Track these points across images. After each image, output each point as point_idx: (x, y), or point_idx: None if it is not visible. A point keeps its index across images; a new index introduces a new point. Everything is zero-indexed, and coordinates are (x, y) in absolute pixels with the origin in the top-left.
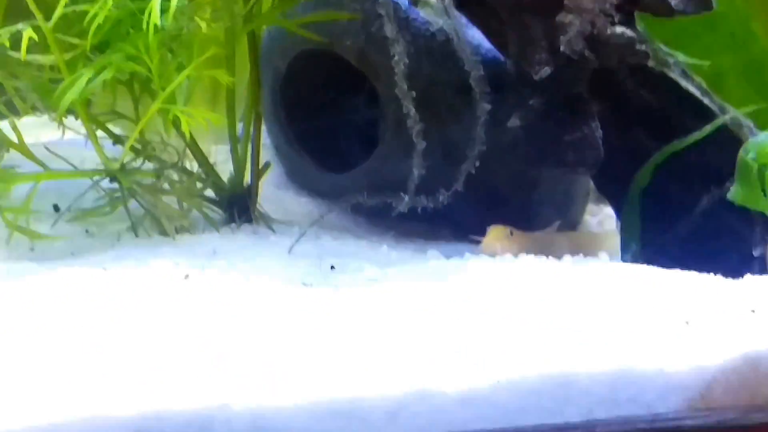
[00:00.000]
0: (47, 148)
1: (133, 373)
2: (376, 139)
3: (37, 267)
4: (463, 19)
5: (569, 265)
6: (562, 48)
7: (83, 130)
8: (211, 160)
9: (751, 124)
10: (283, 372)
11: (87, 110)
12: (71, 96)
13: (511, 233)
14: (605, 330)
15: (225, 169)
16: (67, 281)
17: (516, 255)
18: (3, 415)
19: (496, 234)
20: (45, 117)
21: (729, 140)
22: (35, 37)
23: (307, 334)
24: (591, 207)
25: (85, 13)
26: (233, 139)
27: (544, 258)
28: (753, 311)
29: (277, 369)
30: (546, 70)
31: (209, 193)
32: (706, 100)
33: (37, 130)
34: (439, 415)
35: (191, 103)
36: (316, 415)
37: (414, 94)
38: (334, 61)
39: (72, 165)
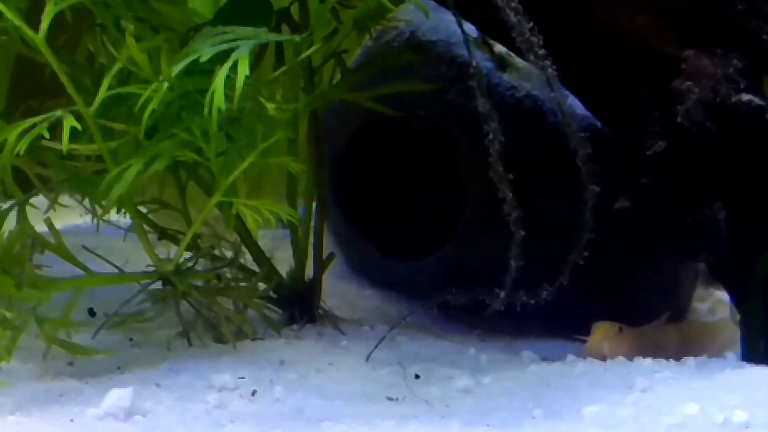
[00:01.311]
0: (85, 248)
1: None
2: (452, 222)
3: (80, 385)
4: (565, 91)
5: (695, 371)
6: (679, 119)
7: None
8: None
9: None
10: None
11: (134, 204)
12: (119, 190)
13: (620, 330)
14: None
15: (279, 260)
16: (123, 403)
17: (628, 357)
18: None
19: (603, 332)
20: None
21: None
22: (78, 125)
23: None
24: (699, 291)
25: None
26: (294, 229)
27: (663, 361)
28: None
29: None
30: (660, 145)
31: (269, 290)
32: None
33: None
34: None
35: (242, 191)
36: None
37: (511, 176)
38: (402, 135)
39: (115, 266)
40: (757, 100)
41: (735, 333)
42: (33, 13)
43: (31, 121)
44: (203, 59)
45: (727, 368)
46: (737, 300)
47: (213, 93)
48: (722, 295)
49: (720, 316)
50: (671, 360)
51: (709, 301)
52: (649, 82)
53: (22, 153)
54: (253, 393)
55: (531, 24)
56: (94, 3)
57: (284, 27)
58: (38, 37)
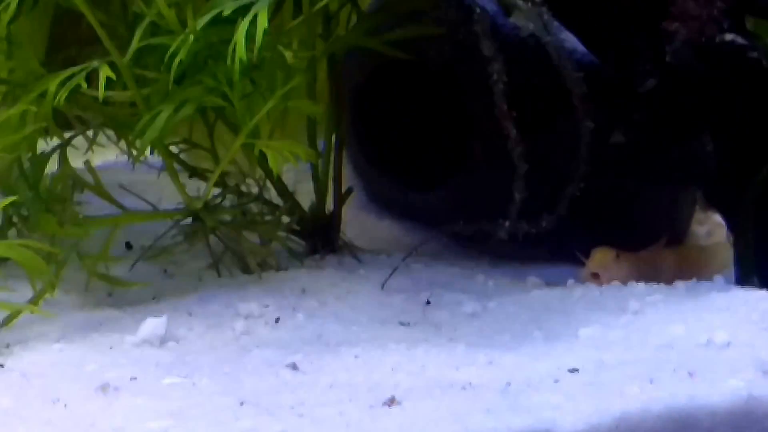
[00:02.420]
0: (122, 186)
1: None
2: (464, 155)
3: (119, 314)
4: (560, 29)
5: (684, 294)
6: (667, 58)
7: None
8: (288, 184)
9: None
10: (385, 407)
11: (165, 145)
12: (152, 134)
13: (617, 255)
14: (728, 360)
15: (301, 193)
16: (158, 330)
17: (624, 281)
18: None
19: (600, 258)
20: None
21: None
22: (113, 75)
23: (405, 371)
24: (698, 215)
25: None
26: (314, 165)
27: (655, 285)
28: None
29: (380, 405)
30: (651, 82)
31: (292, 223)
32: None
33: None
34: None
35: (264, 131)
36: None
37: (515, 113)
38: (416, 73)
39: (150, 203)
40: (739, 39)
41: (731, 255)
42: None
43: (69, 71)
44: (225, 13)
45: (713, 291)
46: (730, 224)
47: (235, 44)
48: (720, 219)
49: (717, 238)
50: (662, 284)
51: (707, 225)
52: (640, 23)
53: (62, 102)
54: (277, 320)
55: None
56: None
57: None
58: None
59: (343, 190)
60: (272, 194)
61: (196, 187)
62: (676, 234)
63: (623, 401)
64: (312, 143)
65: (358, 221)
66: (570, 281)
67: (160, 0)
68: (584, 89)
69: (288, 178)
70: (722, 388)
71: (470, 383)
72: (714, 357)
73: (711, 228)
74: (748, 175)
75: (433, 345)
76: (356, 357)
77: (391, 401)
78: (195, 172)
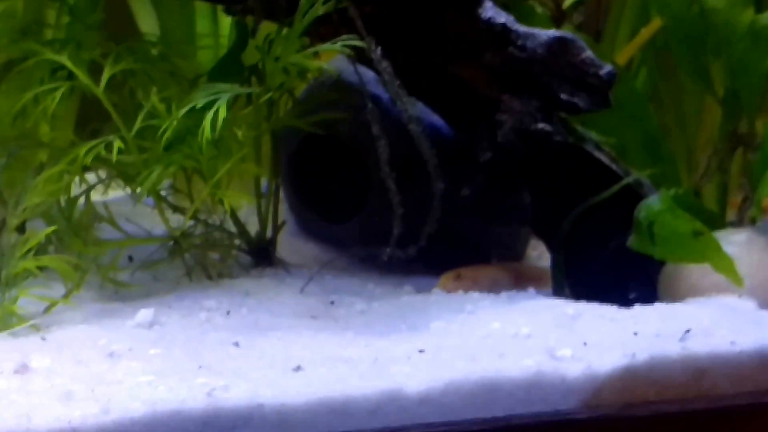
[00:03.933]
0: (128, 220)
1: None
2: (363, 200)
3: (122, 306)
4: (429, 116)
5: (505, 300)
6: (499, 139)
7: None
8: (240, 218)
9: (649, 183)
10: (294, 371)
11: (157, 191)
12: (148, 185)
13: (459, 275)
14: (527, 347)
15: (249, 224)
16: (148, 318)
17: (465, 291)
18: None
19: (447, 275)
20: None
21: (634, 196)
22: (122, 146)
23: (310, 349)
24: (533, 242)
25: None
26: (258, 205)
27: (486, 293)
28: (635, 333)
29: (291, 370)
30: (488, 155)
31: (242, 245)
32: (614, 167)
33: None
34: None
35: (224, 183)
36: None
37: (394, 175)
38: (332, 143)
39: (146, 230)
40: (547, 127)
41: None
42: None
43: (94, 142)
44: (198, 105)
45: (525, 299)
46: (549, 250)
47: (203, 127)
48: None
49: (545, 261)
50: (492, 293)
51: (538, 250)
52: (482, 114)
53: (88, 162)
54: (228, 313)
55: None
56: (135, 63)
57: (253, 79)
58: (98, 90)
59: (279, 222)
60: (229, 224)
61: (177, 219)
62: (515, 256)
63: (452, 372)
64: (258, 190)
65: (289, 244)
66: (434, 290)
67: (154, 96)
68: (436, 161)
69: (240, 214)
70: (520, 364)
71: (352, 358)
72: (518, 344)
73: (540, 252)
74: (560, 217)
75: (331, 332)
76: (278, 339)
77: (298, 368)
78: (176, 209)
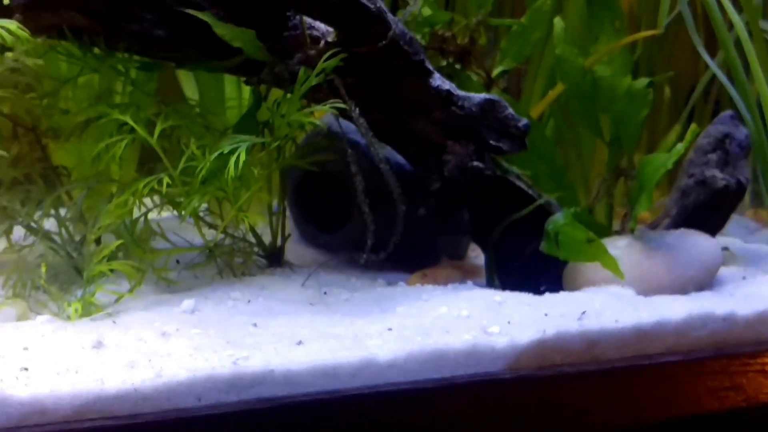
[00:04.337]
0: (175, 234)
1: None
2: (348, 216)
3: (172, 297)
4: (391, 154)
5: (451, 290)
6: (445, 173)
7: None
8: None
9: (556, 204)
10: (297, 345)
11: (197, 213)
12: (190, 209)
13: (425, 275)
14: (467, 325)
15: (264, 235)
16: (190, 306)
17: (422, 284)
18: None
19: (417, 274)
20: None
21: (544, 213)
22: (170, 181)
23: (309, 328)
24: (472, 246)
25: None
26: (270, 221)
27: (438, 286)
28: (546, 314)
29: (294, 344)
30: (437, 185)
31: (259, 252)
32: (530, 191)
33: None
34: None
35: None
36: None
37: (368, 201)
38: (326, 176)
39: (188, 241)
40: (480, 165)
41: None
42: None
43: (150, 178)
44: (225, 151)
45: (465, 289)
46: (484, 251)
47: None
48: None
49: (481, 260)
50: (442, 285)
51: (476, 252)
52: (433, 155)
53: (146, 194)
54: (249, 301)
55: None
56: (180, 119)
57: (266, 131)
58: (153, 140)
59: (286, 234)
60: (249, 236)
61: (211, 233)
62: (459, 257)
63: (412, 344)
64: (270, 211)
65: (294, 250)
66: (400, 283)
67: (193, 144)
68: (399, 189)
69: (258, 229)
70: (462, 338)
71: (339, 334)
72: (460, 323)
73: (479, 253)
74: (491, 228)
75: (324, 315)
76: (286, 320)
77: (300, 342)
78: (211, 226)
